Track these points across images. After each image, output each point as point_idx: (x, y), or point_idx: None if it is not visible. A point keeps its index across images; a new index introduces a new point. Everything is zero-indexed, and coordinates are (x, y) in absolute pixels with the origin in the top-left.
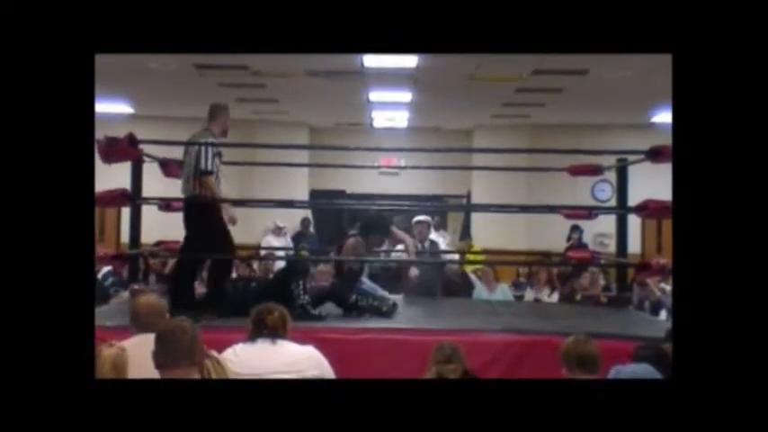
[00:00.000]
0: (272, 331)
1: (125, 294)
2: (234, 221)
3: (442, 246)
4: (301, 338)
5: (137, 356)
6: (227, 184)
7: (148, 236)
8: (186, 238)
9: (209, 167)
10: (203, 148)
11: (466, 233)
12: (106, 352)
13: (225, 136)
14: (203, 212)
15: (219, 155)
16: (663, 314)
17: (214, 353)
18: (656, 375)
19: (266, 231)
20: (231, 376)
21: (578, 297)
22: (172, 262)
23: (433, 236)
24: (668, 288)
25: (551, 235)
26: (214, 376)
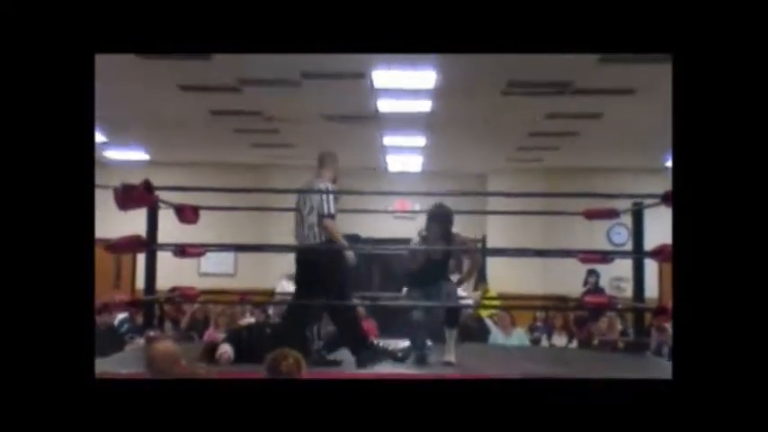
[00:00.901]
0: (287, 378)
1: (140, 341)
2: (353, 262)
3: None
4: None
5: None
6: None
7: (163, 282)
8: (308, 286)
9: (332, 211)
10: (324, 194)
11: (481, 277)
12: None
13: (335, 182)
14: (334, 258)
15: (336, 200)
16: None
17: None
18: None
19: (281, 277)
20: None
21: (595, 342)
22: (188, 308)
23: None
24: None
25: (568, 279)
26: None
